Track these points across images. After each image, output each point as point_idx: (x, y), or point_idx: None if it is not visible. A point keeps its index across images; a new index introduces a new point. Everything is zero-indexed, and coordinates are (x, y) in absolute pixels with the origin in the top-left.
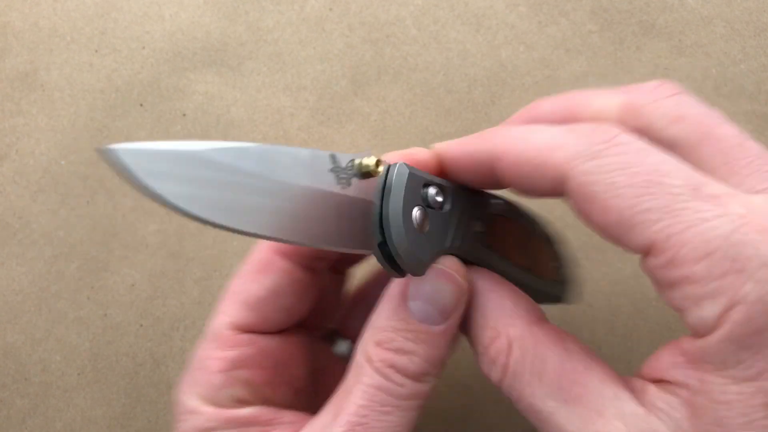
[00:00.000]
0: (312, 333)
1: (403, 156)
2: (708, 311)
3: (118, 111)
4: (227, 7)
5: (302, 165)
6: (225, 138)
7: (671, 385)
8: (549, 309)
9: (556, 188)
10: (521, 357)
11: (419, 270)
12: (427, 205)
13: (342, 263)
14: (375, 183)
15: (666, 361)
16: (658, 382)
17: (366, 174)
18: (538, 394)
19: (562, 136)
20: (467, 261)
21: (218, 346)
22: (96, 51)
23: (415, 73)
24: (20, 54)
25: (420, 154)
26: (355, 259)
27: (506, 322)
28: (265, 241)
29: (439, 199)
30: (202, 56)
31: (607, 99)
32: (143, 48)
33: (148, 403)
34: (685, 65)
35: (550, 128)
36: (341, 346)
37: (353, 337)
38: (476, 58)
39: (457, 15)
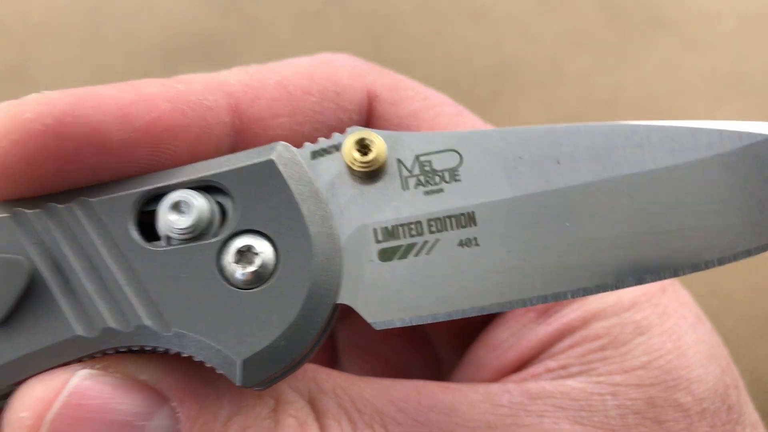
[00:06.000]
0: None
1: None
2: None
3: None
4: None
5: None
6: None
7: None
8: None
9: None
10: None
11: None
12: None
13: None
14: None
15: None
16: None
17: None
18: None
19: None
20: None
21: None
22: (87, 45)
23: (416, 67)
24: (10, 49)
25: None
26: None
27: None
28: None
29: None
30: (196, 50)
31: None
32: (136, 42)
33: None
34: (694, 60)
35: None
36: None
37: None
38: (479, 52)
39: (459, 8)
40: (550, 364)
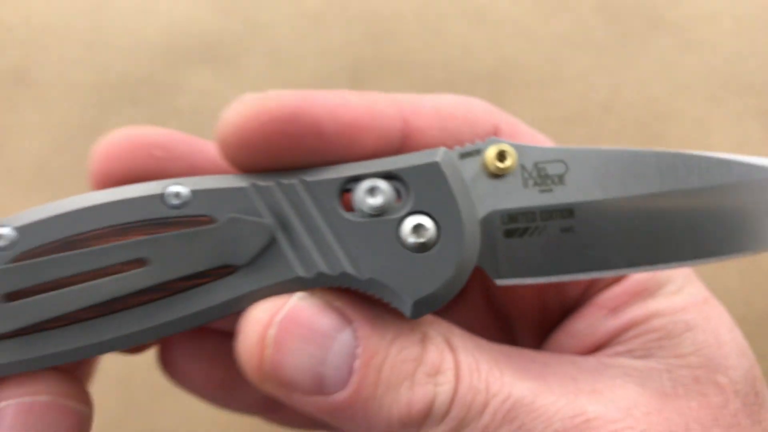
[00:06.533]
0: None
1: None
2: None
3: (112, 107)
4: (223, 1)
5: None
6: None
7: None
8: None
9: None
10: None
11: None
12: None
13: None
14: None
15: None
16: None
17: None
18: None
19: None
20: None
21: None
22: (89, 46)
23: (416, 69)
24: (12, 50)
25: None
26: None
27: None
28: None
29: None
30: (198, 51)
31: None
32: (137, 43)
33: (141, 408)
34: (692, 61)
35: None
36: None
37: None
38: (479, 53)
39: (459, 9)
40: (619, 348)
